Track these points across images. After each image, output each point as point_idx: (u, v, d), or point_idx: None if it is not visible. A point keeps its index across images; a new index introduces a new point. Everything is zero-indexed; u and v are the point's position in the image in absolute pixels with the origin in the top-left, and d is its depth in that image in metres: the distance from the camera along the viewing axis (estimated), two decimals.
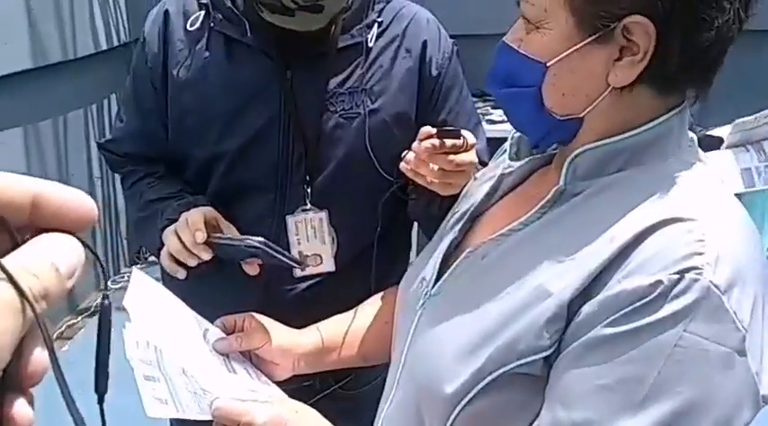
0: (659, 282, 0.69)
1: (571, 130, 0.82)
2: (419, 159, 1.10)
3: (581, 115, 0.81)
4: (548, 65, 0.79)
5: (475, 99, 1.52)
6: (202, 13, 1.33)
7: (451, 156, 1.09)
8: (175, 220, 1.24)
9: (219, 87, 1.31)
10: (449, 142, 1.08)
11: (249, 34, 1.30)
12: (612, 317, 0.71)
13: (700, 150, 0.85)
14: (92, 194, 3.64)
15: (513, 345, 0.76)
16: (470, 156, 1.11)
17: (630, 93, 0.78)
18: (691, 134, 0.85)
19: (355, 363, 1.19)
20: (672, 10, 0.73)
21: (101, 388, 0.34)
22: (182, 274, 1.24)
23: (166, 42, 1.34)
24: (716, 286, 0.69)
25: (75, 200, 0.33)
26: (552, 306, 0.75)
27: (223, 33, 1.32)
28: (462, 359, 0.79)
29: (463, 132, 1.09)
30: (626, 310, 0.70)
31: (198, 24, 1.32)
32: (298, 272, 1.36)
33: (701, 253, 0.70)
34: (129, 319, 0.88)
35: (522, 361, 0.75)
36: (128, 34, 3.89)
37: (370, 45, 1.33)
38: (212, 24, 1.32)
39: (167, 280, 1.47)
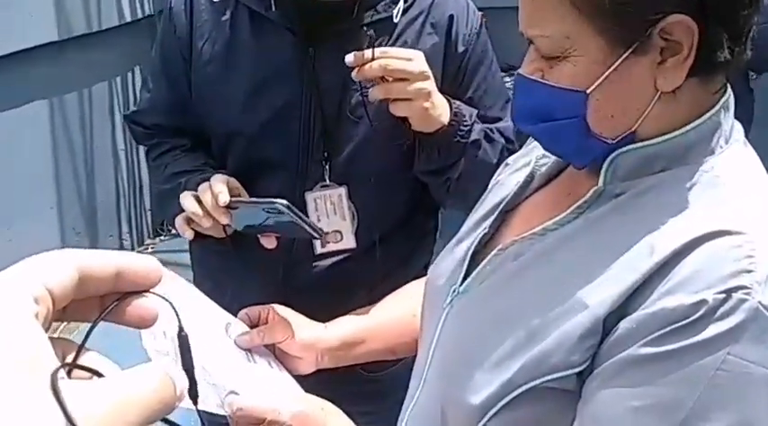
0: (703, 301, 0.65)
1: (625, 145, 0.76)
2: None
3: (634, 129, 0.75)
4: (588, 92, 0.73)
5: (503, 74, 1.47)
6: None
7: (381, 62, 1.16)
8: None
9: (242, 64, 1.29)
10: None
11: (273, 9, 1.27)
12: (651, 337, 0.66)
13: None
14: (116, 166, 3.70)
15: (544, 359, 0.72)
16: (398, 64, 1.16)
17: (680, 89, 0.73)
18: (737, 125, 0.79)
19: (382, 356, 1.16)
20: None
21: (192, 394, 0.43)
22: (190, 234, 1.26)
23: (193, 13, 1.32)
24: (765, 306, 0.64)
25: (147, 267, 0.42)
26: (587, 321, 0.70)
27: (247, 7, 1.29)
28: (490, 369, 0.75)
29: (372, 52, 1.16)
30: (666, 330, 0.66)
31: None
32: (318, 248, 1.34)
33: (750, 271, 0.65)
34: None
35: (554, 376, 0.71)
36: (152, 6, 3.87)
37: (395, 21, 1.29)
38: None
39: (195, 251, 1.47)
